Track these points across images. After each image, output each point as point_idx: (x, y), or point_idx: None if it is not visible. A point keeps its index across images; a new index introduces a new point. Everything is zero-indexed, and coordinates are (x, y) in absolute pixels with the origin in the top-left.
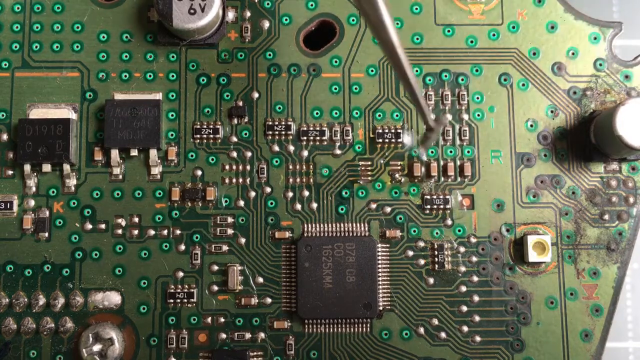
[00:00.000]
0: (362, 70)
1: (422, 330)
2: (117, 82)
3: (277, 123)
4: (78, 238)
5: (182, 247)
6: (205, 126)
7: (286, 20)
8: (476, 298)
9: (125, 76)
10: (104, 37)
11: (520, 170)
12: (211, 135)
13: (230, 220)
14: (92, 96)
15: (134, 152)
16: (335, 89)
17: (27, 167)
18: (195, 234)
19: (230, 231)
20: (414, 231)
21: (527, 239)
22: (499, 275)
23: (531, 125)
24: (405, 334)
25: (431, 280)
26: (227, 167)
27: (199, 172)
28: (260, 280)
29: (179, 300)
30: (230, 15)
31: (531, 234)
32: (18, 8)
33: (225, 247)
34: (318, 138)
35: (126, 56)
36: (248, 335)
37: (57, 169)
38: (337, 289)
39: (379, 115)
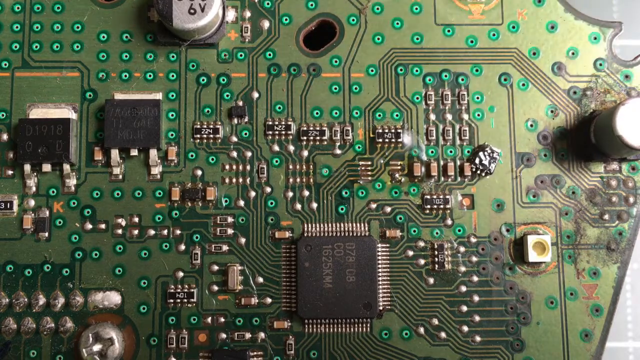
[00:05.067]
0: (362, 70)
1: (422, 330)
2: (117, 82)
3: (277, 123)
4: (78, 238)
5: (182, 247)
6: (205, 126)
7: (286, 20)
8: (476, 298)
9: (125, 76)
10: (104, 37)
11: (520, 170)
12: (211, 135)
13: (230, 220)
14: (92, 96)
15: (134, 152)
16: (335, 88)
17: (27, 167)
18: (195, 234)
19: (230, 231)
20: (414, 231)
21: (527, 239)
22: (499, 275)
23: (531, 125)
24: (405, 334)
25: (431, 280)
26: (227, 167)
27: (199, 172)
28: (260, 280)
29: (179, 300)
30: (230, 15)
31: (531, 233)
32: (18, 8)
33: (225, 247)
34: (318, 138)
35: (126, 56)
36: (248, 335)
37: (57, 169)
38: (337, 288)
39: (379, 115)
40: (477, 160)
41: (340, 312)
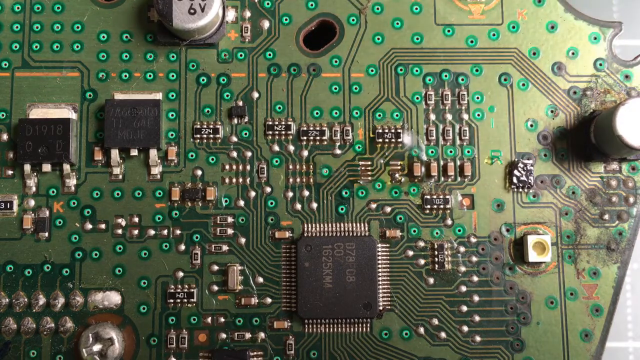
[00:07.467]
0: (362, 70)
1: (422, 330)
2: (117, 82)
3: (277, 123)
4: (78, 238)
5: (182, 247)
6: (205, 126)
7: (286, 20)
8: (476, 298)
9: (125, 76)
10: (104, 37)
11: None
12: (211, 135)
13: (230, 220)
14: (92, 96)
15: (134, 152)
16: (335, 89)
17: (27, 167)
18: (195, 234)
19: (230, 231)
20: (414, 231)
21: (527, 239)
22: (499, 275)
23: (531, 125)
24: (405, 334)
25: (431, 280)
26: (227, 167)
27: (199, 172)
28: (260, 280)
29: (179, 300)
30: (230, 15)
31: (531, 233)
32: (18, 8)
33: (225, 247)
34: (318, 138)
35: (126, 56)
36: (248, 335)
37: (57, 169)
38: (337, 288)
39: (379, 115)
40: (514, 180)
41: (340, 312)
